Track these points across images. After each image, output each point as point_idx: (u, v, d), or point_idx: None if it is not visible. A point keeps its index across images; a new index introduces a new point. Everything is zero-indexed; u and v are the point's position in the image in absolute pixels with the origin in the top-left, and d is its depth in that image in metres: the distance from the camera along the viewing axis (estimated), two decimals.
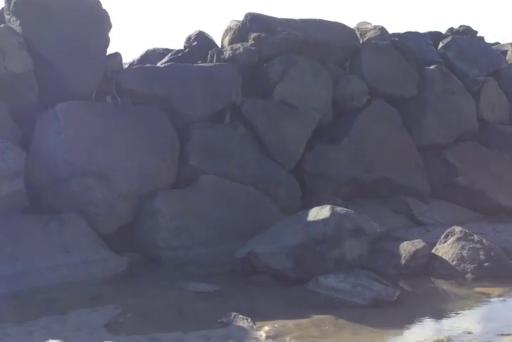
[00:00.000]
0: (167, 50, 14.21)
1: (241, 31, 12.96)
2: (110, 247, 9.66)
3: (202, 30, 14.08)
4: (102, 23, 10.89)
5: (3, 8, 10.74)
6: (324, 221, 9.20)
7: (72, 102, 10.12)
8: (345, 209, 9.49)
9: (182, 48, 13.82)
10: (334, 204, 10.00)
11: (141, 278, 9.16)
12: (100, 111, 10.41)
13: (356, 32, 14.25)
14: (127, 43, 28.93)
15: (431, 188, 13.26)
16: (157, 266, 9.63)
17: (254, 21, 12.92)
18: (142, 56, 14.40)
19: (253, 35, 12.68)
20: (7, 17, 10.59)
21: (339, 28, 13.49)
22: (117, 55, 11.11)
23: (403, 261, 9.41)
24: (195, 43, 13.69)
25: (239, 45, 12.56)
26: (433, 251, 9.67)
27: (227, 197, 10.69)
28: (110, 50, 11.10)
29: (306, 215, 9.49)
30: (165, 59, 13.42)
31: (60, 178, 9.72)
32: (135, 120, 10.59)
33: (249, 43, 12.61)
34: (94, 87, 10.62)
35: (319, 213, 9.39)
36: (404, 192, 12.83)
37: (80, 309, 7.78)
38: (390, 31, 14.77)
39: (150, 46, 14.76)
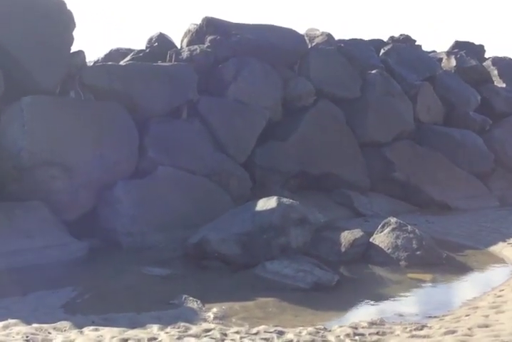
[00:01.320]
0: (129, 50, 14.07)
1: (198, 34, 12.89)
2: (71, 233, 9.47)
3: (162, 32, 14.00)
4: (66, 22, 10.64)
5: None
6: (271, 211, 9.12)
7: (36, 96, 9.87)
8: (291, 200, 9.42)
9: (144, 48, 13.70)
10: (281, 195, 9.95)
11: (100, 262, 8.99)
12: (63, 105, 10.21)
13: (305, 37, 14.28)
14: (92, 43, 28.52)
15: (371, 182, 13.34)
16: (115, 251, 9.47)
17: (210, 25, 12.84)
18: (106, 55, 14.26)
19: (209, 37, 12.61)
20: None
21: (289, 33, 13.48)
22: (80, 53, 10.89)
23: (343, 249, 9.41)
24: (156, 43, 13.61)
25: (196, 46, 12.48)
26: (370, 239, 9.68)
27: (182, 187, 10.57)
28: (75, 49, 10.91)
29: (255, 205, 9.41)
30: (128, 58, 13.29)
31: (25, 168, 9.47)
32: (97, 114, 10.39)
33: (206, 45, 12.55)
34: (58, 82, 10.39)
35: (266, 203, 9.30)
36: (347, 185, 12.89)
37: (40, 291, 7.60)
38: (336, 38, 14.87)
39: (114, 46, 14.67)
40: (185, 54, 12.31)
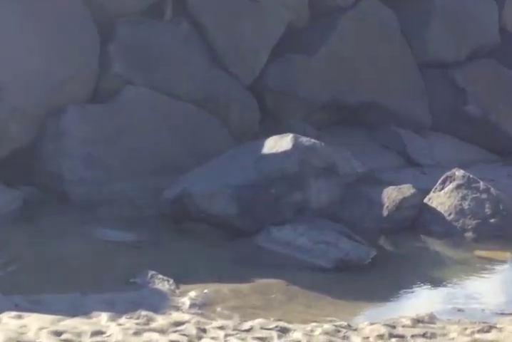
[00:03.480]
0: None
1: None
2: None
3: None
4: None
5: None
6: (284, 154, 9.01)
7: None
8: (313, 140, 9.29)
9: None
10: (302, 132, 9.89)
11: (38, 220, 8.95)
12: None
13: None
14: None
15: (433, 118, 13.08)
16: (61, 205, 9.43)
17: None
18: None
19: None
20: None
21: None
22: None
23: (385, 212, 9.26)
24: None
25: None
26: (425, 200, 9.54)
27: (160, 117, 10.45)
28: None
29: (262, 146, 9.30)
30: None
31: None
32: (42, 11, 10.09)
33: None
34: None
35: (277, 144, 9.18)
36: (397, 121, 12.65)
37: None
38: None
39: None
40: None
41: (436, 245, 9.03)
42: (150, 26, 10.99)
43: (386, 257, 8.37)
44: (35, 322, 6.05)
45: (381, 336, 6.12)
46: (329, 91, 12.09)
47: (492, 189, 9.45)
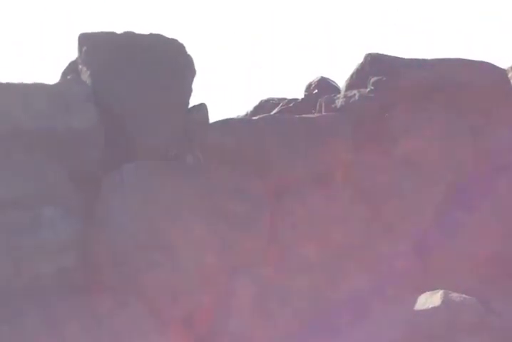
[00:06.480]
0: (282, 100, 13.89)
1: (359, 75, 12.36)
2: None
3: (326, 76, 13.68)
4: (184, 70, 10.69)
5: (77, 58, 10.78)
6: (433, 311, 8.36)
7: (142, 162, 9.87)
8: (464, 295, 8.52)
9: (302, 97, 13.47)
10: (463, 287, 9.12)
11: None
12: (176, 173, 10.06)
13: (509, 73, 13.24)
14: (243, 92, 28.91)
15: None
16: None
17: (375, 63, 12.28)
18: (255, 107, 14.17)
19: (373, 79, 12.02)
20: (79, 67, 10.62)
21: (485, 68, 12.54)
22: (202, 107, 10.84)
23: None
24: (316, 90, 13.30)
25: (354, 91, 11.96)
26: None
27: None
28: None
29: (414, 302, 8.70)
30: (275, 110, 13.08)
31: (123, 253, 9.37)
32: (219, 184, 10.14)
33: (368, 89, 11.97)
34: (171, 144, 10.32)
35: (428, 300, 8.56)
36: None
37: None
38: None
39: (267, 95, 14.54)
40: (339, 102, 11.82)
41: None
42: (316, 193, 10.81)
43: None
44: None
45: None
46: (491, 245, 11.29)
47: None
